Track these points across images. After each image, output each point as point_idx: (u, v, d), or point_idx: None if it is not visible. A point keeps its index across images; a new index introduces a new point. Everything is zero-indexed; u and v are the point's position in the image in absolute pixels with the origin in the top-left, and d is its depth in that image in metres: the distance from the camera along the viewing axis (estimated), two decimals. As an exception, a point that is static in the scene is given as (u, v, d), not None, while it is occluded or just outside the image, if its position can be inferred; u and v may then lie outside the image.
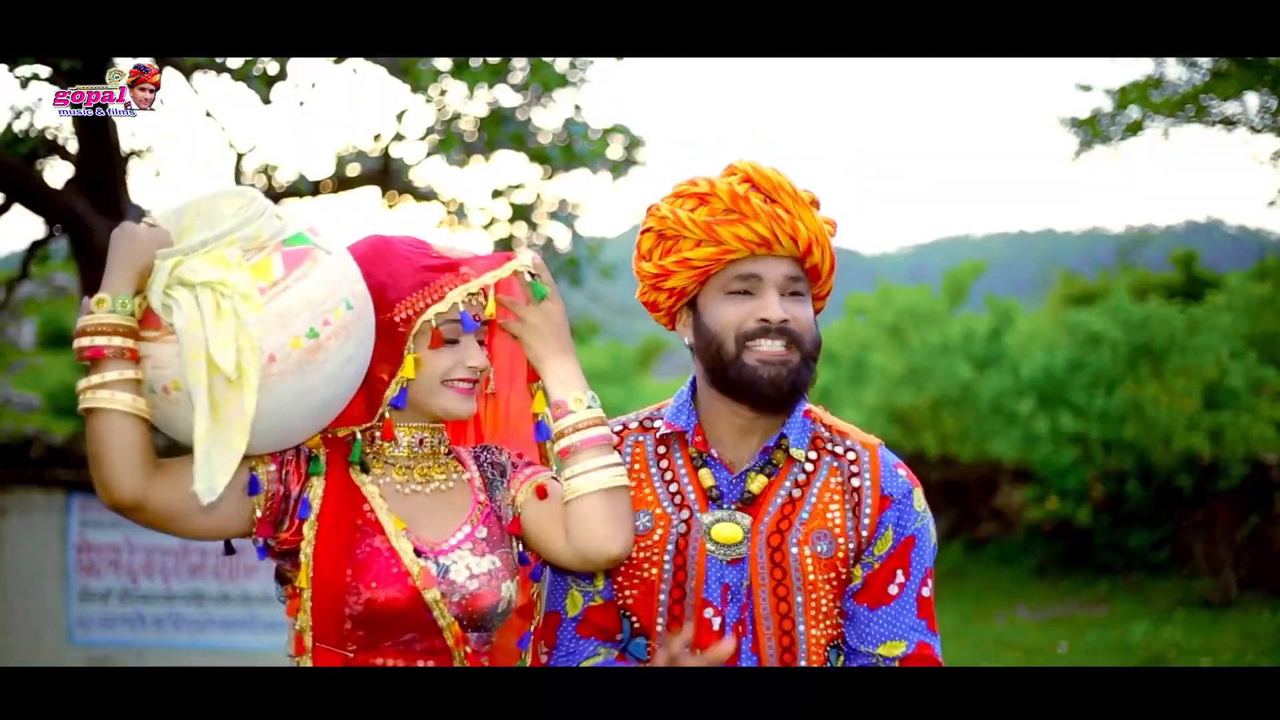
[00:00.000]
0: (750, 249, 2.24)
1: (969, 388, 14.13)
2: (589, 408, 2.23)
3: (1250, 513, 11.87)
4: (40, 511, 8.04)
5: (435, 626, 2.14)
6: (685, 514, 2.30)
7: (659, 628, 2.29)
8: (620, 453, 2.35)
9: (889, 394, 15.13)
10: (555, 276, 10.32)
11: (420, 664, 2.15)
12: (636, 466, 2.36)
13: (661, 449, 2.36)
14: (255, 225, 2.07)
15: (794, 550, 2.27)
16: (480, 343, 2.28)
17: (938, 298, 16.99)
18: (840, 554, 2.28)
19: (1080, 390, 12.88)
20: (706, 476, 2.31)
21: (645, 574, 2.30)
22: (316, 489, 2.19)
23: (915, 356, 15.00)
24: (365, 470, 2.23)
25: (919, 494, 2.35)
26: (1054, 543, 13.97)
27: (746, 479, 2.30)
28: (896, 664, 2.28)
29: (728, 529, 2.27)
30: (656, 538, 2.30)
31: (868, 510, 2.30)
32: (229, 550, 2.25)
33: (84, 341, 2.01)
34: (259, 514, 2.16)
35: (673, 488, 2.32)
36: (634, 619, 2.33)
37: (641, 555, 2.30)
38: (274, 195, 8.64)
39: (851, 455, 2.34)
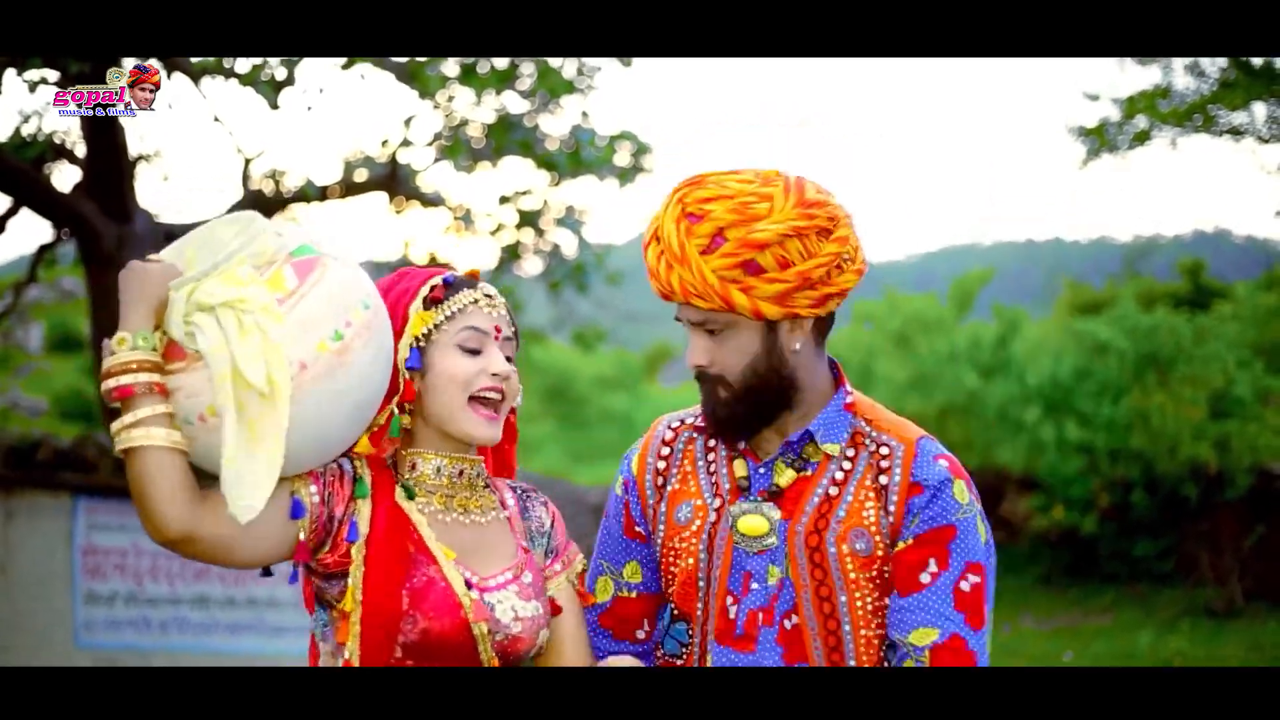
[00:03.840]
0: (661, 297, 2.26)
1: (975, 396, 14.12)
2: None
3: (1256, 522, 11.85)
4: (47, 515, 8.05)
5: (477, 659, 2.15)
6: (717, 503, 2.30)
7: (698, 614, 2.31)
8: (673, 448, 2.39)
9: (895, 402, 15.09)
10: (562, 283, 10.43)
11: None
12: (685, 461, 2.38)
13: (712, 442, 2.37)
14: (259, 242, 2.09)
15: (832, 549, 2.22)
16: (508, 360, 2.28)
17: (945, 306, 16.96)
18: (879, 550, 2.23)
19: (1087, 399, 12.87)
20: (740, 467, 2.31)
21: (684, 564, 2.31)
22: (364, 512, 2.17)
23: (922, 364, 14.98)
24: (410, 496, 2.23)
25: (961, 485, 2.26)
26: (1059, 552, 13.96)
27: (774, 470, 2.29)
28: (927, 653, 2.19)
29: (753, 520, 2.26)
30: (694, 528, 2.31)
31: (894, 500, 2.24)
32: (267, 573, 2.23)
33: (110, 383, 2.00)
34: (302, 537, 2.12)
35: (714, 479, 2.33)
36: (674, 608, 2.36)
37: (681, 545, 2.32)
38: (281, 201, 8.66)
39: (885, 450, 2.28)
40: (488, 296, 2.28)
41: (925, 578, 2.21)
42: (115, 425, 2.01)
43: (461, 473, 2.28)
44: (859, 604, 2.23)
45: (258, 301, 2.01)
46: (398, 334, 2.23)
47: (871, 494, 2.25)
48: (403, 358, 2.23)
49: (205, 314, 2.01)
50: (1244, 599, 11.64)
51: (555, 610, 2.29)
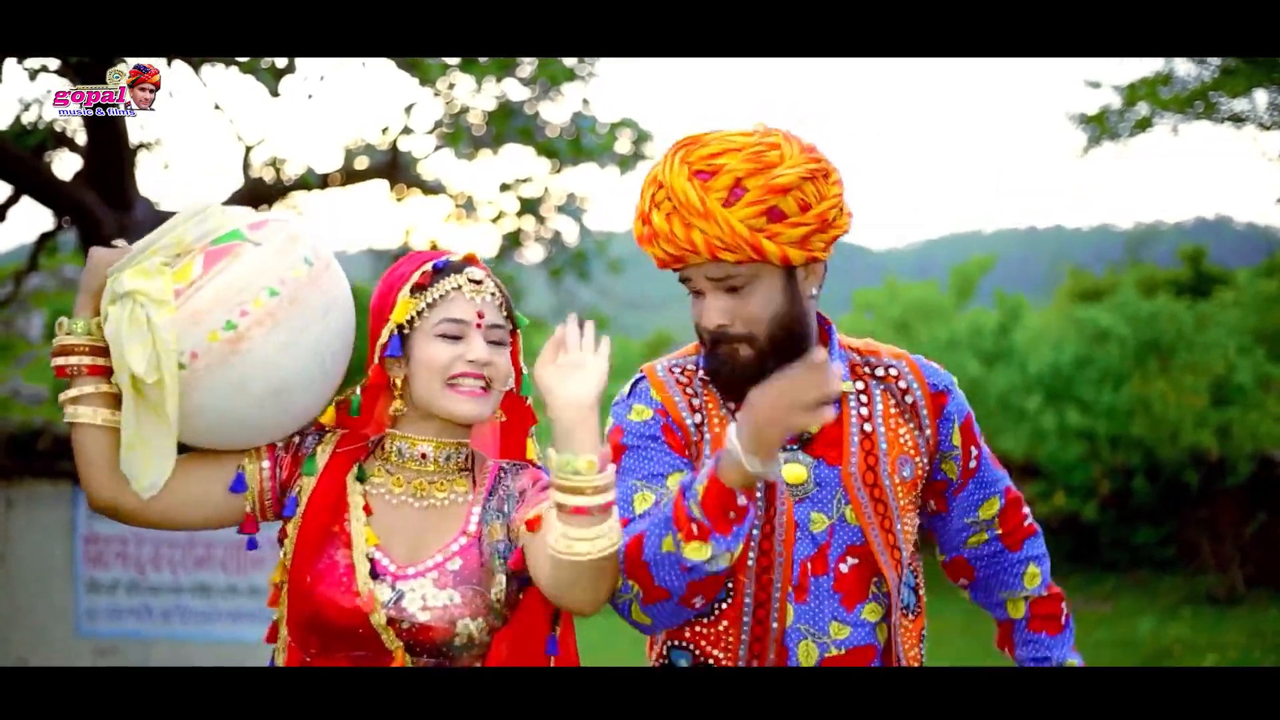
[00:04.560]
0: (668, 264, 2.23)
1: (977, 383, 14.11)
2: (602, 471, 1.97)
3: (1257, 509, 11.87)
4: (48, 503, 8.05)
5: (384, 647, 2.12)
6: None
7: (750, 563, 2.23)
8: (694, 388, 2.31)
9: (896, 389, 15.06)
10: (563, 271, 10.42)
11: None
12: (709, 405, 2.30)
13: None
14: (178, 232, 2.15)
15: (888, 482, 2.27)
16: (496, 344, 2.24)
17: (946, 293, 16.96)
18: (919, 472, 2.33)
19: (1088, 386, 12.88)
20: None
21: None
22: (306, 489, 2.21)
23: (923, 352, 14.88)
24: (362, 479, 2.23)
25: (952, 375, 2.43)
26: (1060, 539, 13.95)
27: None
28: (997, 520, 2.43)
29: (795, 469, 2.26)
30: None
31: (926, 417, 2.34)
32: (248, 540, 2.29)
33: (53, 363, 2.17)
34: (248, 509, 2.22)
35: None
36: None
37: None
38: (282, 188, 8.65)
39: (894, 371, 2.36)
40: (474, 283, 2.23)
41: (973, 463, 2.40)
42: (59, 399, 2.18)
43: (424, 455, 2.24)
44: (907, 527, 2.32)
45: (152, 293, 2.08)
46: (386, 319, 2.23)
47: (899, 418, 2.33)
48: (382, 343, 2.22)
49: (115, 304, 2.11)
50: (1245, 586, 11.66)
51: (517, 564, 2.14)
